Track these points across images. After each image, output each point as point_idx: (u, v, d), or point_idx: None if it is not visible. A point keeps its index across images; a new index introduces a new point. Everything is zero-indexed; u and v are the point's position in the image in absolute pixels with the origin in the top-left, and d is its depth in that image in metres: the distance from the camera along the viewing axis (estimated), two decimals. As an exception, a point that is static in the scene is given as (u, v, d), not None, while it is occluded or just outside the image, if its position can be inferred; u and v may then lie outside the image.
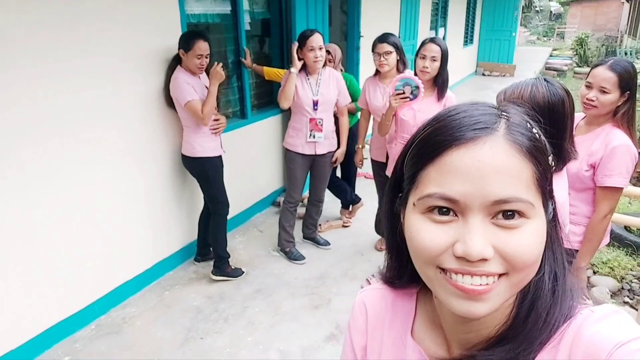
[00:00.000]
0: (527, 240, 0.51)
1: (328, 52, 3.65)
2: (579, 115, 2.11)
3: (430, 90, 2.94)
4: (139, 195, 3.11)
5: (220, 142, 3.27)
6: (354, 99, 3.82)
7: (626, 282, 3.65)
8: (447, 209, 0.53)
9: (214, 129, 3.16)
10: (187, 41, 2.94)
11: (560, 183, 1.53)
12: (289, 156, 3.49)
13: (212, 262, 3.42)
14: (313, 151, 3.41)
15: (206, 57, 2.99)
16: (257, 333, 2.85)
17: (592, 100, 1.99)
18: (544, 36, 29.48)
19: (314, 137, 3.33)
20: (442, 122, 0.55)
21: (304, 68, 3.27)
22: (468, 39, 12.25)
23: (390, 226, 0.65)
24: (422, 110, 2.88)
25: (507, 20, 13.04)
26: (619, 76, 1.94)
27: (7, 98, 2.29)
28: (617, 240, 4.03)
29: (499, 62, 13.10)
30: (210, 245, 3.46)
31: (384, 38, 3.20)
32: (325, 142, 3.41)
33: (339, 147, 3.59)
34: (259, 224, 4.22)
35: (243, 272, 3.42)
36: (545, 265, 0.57)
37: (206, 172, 3.19)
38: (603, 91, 1.96)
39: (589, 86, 2.02)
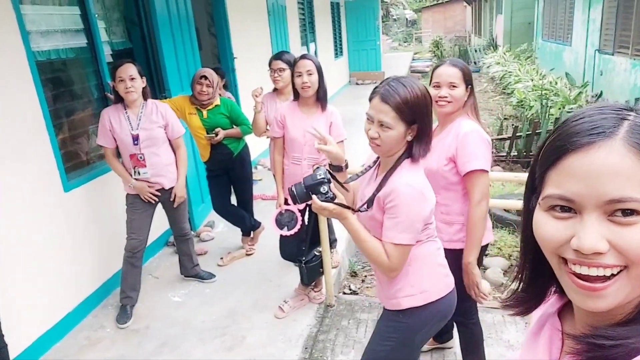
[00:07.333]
0: None
1: (205, 77, 3.47)
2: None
3: (314, 105, 2.94)
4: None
5: None
6: (237, 123, 3.69)
7: (514, 259, 3.97)
8: (567, 207, 0.59)
9: None
10: None
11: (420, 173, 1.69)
12: (129, 200, 3.23)
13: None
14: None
15: None
16: (169, 392, 2.57)
17: (446, 97, 2.09)
18: (404, 42, 31.98)
19: (139, 173, 3.09)
20: (564, 128, 0.61)
21: (122, 101, 3.04)
22: (338, 51, 12.75)
23: (525, 223, 0.70)
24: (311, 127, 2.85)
25: (370, 30, 13.86)
26: (462, 71, 2.10)
27: None
28: (499, 222, 4.40)
29: (368, 70, 13.83)
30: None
31: (277, 56, 3.36)
32: (163, 178, 3.17)
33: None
34: (153, 270, 3.87)
35: None
36: None
37: None
38: (453, 86, 2.08)
39: (437, 86, 2.12)
